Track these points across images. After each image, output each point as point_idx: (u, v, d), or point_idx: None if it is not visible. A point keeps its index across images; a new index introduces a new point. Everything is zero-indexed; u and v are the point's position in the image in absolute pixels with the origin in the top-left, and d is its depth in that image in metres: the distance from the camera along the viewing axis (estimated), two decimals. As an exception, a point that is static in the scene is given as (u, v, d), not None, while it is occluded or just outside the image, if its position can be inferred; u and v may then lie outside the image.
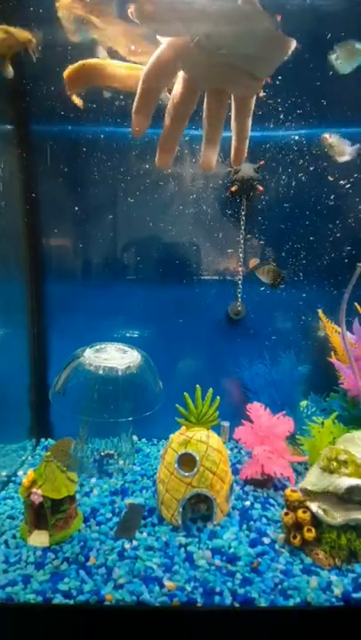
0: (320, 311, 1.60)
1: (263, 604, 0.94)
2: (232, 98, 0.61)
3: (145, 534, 1.14)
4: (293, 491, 1.13)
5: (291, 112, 1.46)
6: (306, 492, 1.11)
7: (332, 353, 1.57)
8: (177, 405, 1.22)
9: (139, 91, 0.58)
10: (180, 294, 1.63)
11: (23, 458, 1.53)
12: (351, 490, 1.05)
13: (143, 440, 1.68)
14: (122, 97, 1.35)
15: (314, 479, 1.13)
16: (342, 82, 1.33)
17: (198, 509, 1.22)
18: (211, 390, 1.23)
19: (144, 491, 1.34)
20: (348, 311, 1.38)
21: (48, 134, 1.50)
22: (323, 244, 1.58)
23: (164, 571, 1.01)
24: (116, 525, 1.17)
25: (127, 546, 1.09)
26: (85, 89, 1.15)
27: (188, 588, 0.96)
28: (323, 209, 1.55)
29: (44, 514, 1.09)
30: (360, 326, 1.41)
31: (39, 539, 1.10)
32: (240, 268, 1.60)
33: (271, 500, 1.31)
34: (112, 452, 1.52)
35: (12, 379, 1.54)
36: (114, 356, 1.38)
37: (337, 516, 1.05)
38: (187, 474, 1.15)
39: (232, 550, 1.09)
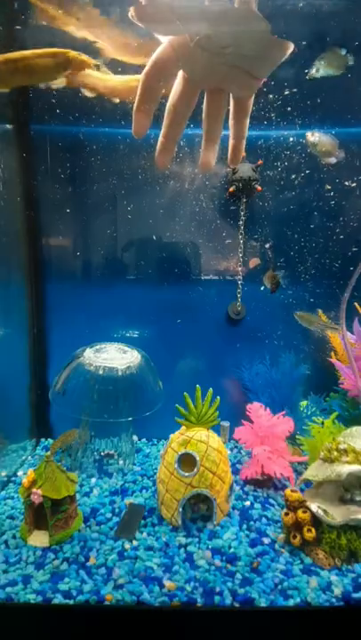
0: (320, 311, 1.60)
1: (263, 604, 0.94)
2: (230, 98, 0.61)
3: (145, 534, 1.14)
4: (293, 491, 1.13)
5: (290, 111, 1.46)
6: (307, 493, 1.11)
7: (332, 353, 1.57)
8: (177, 405, 1.22)
9: (139, 91, 0.58)
10: (179, 294, 1.63)
11: (23, 458, 1.53)
12: (352, 476, 1.07)
13: (143, 440, 1.68)
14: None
15: (314, 471, 1.14)
16: (345, 82, 1.34)
17: (198, 509, 1.22)
18: (211, 390, 1.23)
19: (144, 491, 1.34)
20: (348, 311, 1.38)
21: (48, 134, 1.50)
22: (323, 244, 1.58)
23: (164, 571, 1.01)
24: (116, 525, 1.17)
25: (127, 546, 1.09)
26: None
27: (188, 588, 0.96)
28: (323, 209, 1.55)
29: (44, 514, 1.09)
30: (360, 326, 1.41)
31: (39, 539, 1.10)
32: (240, 268, 1.60)
33: (271, 500, 1.31)
34: (112, 452, 1.52)
35: (12, 379, 1.54)
36: (114, 356, 1.38)
37: (337, 516, 1.05)
38: (187, 474, 1.15)
39: (232, 550, 1.09)
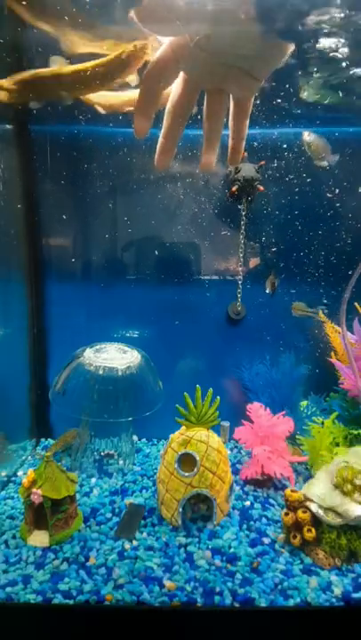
0: (320, 311, 1.60)
1: (263, 604, 0.94)
2: (230, 98, 0.61)
3: (145, 534, 1.14)
4: (293, 491, 1.13)
5: (291, 111, 1.46)
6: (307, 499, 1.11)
7: (333, 353, 1.57)
8: (177, 405, 1.22)
9: (140, 91, 0.58)
10: (180, 294, 1.63)
11: (23, 458, 1.53)
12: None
13: (143, 440, 1.68)
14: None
15: (323, 492, 1.09)
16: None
17: (198, 509, 1.22)
18: (211, 390, 1.23)
19: (144, 491, 1.34)
20: (349, 311, 1.38)
21: (48, 134, 1.50)
22: (323, 244, 1.58)
23: (164, 571, 1.01)
24: (116, 525, 1.17)
25: (127, 546, 1.09)
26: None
27: (188, 588, 0.96)
28: (324, 209, 1.55)
29: (44, 514, 1.09)
30: (360, 326, 1.41)
31: (39, 539, 1.10)
32: (240, 268, 1.60)
33: (271, 500, 1.31)
34: (112, 452, 1.52)
35: (12, 379, 1.54)
36: (114, 356, 1.38)
37: (337, 517, 1.05)
38: (187, 474, 1.15)
39: (232, 550, 1.09)
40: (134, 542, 1.11)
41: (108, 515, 1.22)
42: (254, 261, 1.63)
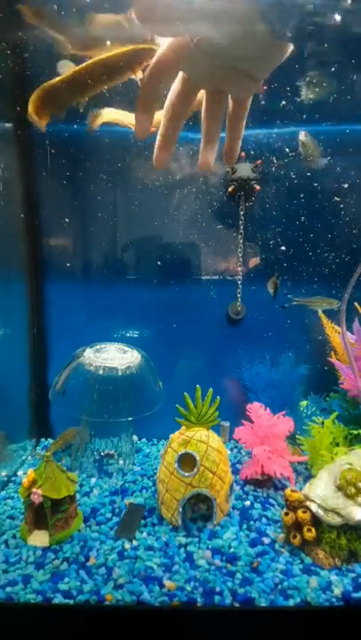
0: (320, 311, 1.59)
1: (263, 603, 0.94)
2: (229, 98, 0.61)
3: (145, 534, 1.14)
4: (293, 491, 1.13)
5: (291, 110, 1.47)
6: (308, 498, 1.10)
7: (333, 353, 1.57)
8: (177, 405, 1.22)
9: (140, 92, 0.59)
10: (180, 294, 1.63)
11: (23, 458, 1.53)
12: None
13: (143, 440, 1.68)
14: (123, 96, 1.35)
15: (325, 494, 1.08)
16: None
17: (198, 509, 1.22)
18: (211, 390, 1.23)
19: (144, 491, 1.34)
20: (349, 311, 1.38)
21: (48, 134, 1.50)
22: (323, 244, 1.58)
23: (164, 570, 1.01)
24: (116, 525, 1.17)
25: (127, 546, 1.09)
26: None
27: (188, 588, 0.96)
28: (323, 208, 1.55)
29: (43, 514, 1.09)
30: (360, 326, 1.41)
31: (39, 539, 1.10)
32: (240, 268, 1.60)
33: (271, 500, 1.31)
34: (112, 452, 1.53)
35: (12, 379, 1.54)
36: (114, 356, 1.38)
37: (337, 516, 1.05)
38: (187, 474, 1.15)
39: (232, 550, 1.09)
40: (134, 542, 1.11)
41: (108, 515, 1.22)
42: (254, 261, 1.63)
